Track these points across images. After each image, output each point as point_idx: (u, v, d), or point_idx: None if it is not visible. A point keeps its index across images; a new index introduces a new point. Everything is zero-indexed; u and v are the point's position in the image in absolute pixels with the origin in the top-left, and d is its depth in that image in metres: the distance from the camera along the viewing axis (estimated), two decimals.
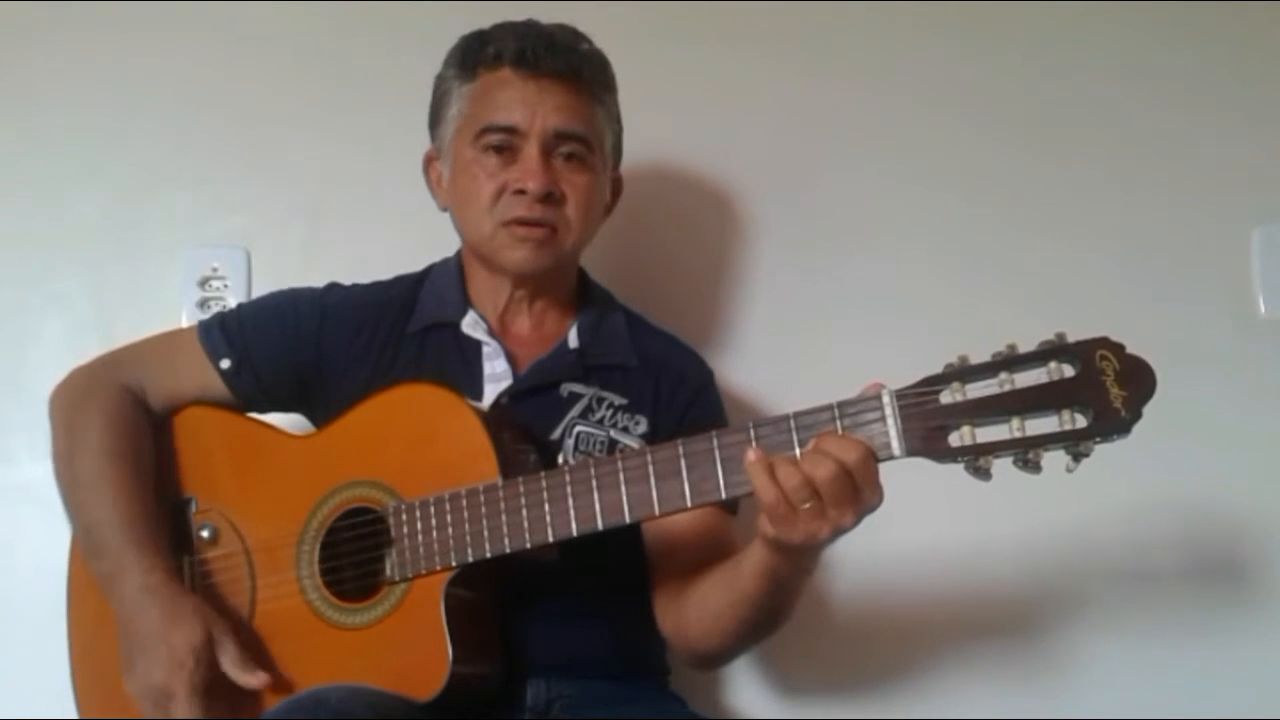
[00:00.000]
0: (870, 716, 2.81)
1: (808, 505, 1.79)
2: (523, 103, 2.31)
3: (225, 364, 2.37)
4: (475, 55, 2.38)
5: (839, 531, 1.82)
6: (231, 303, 2.84)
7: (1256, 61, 3.07)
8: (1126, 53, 3.05)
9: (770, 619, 2.13)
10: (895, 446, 1.78)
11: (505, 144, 2.31)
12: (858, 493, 1.79)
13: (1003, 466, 1.75)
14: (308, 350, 2.39)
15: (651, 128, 2.64)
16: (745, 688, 2.82)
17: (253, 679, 2.10)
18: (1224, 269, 2.99)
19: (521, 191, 2.29)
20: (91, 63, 2.97)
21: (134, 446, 2.32)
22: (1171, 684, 2.80)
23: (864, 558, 2.60)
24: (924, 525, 2.50)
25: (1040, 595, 2.82)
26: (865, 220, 2.98)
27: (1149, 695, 2.78)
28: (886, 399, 1.78)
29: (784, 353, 2.90)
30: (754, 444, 1.85)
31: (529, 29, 2.37)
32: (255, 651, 2.19)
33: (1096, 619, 2.82)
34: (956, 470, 1.77)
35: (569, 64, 2.33)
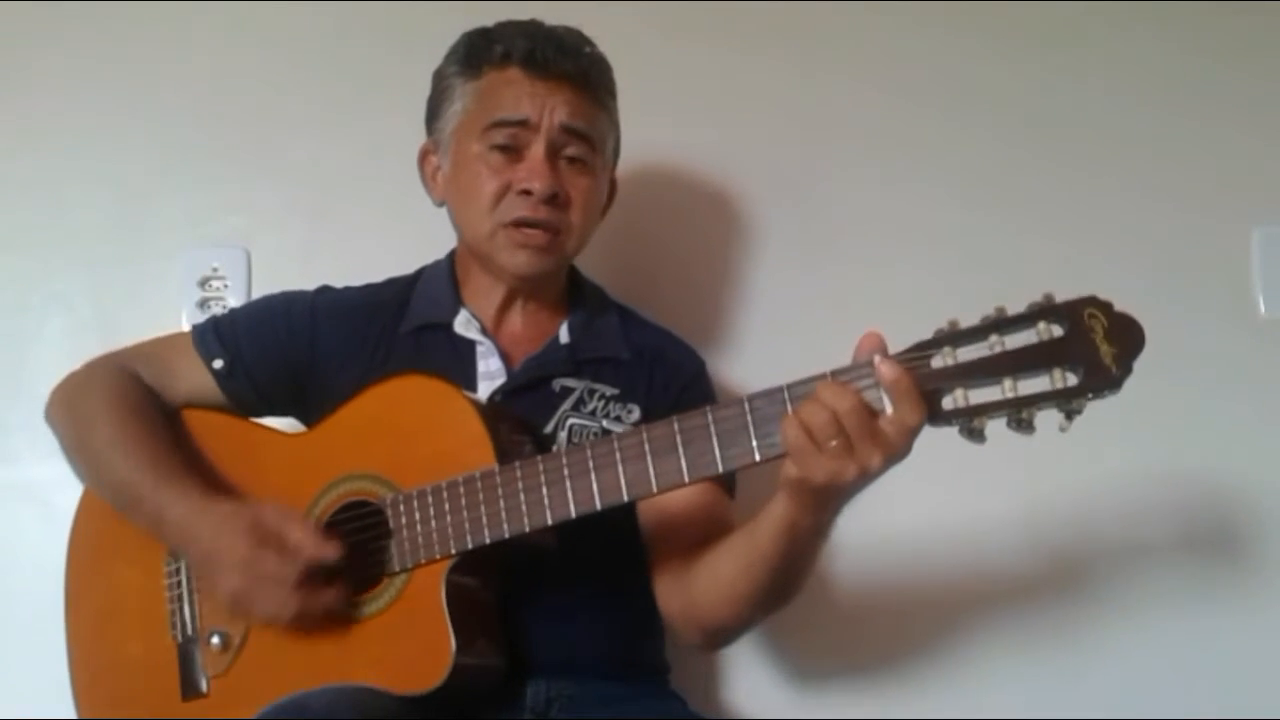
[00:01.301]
0: (870, 714, 2.80)
1: (834, 442, 1.77)
2: (532, 97, 2.32)
3: (218, 364, 2.39)
4: (481, 54, 2.39)
5: (865, 474, 1.79)
6: (231, 303, 2.86)
7: (1256, 61, 3.08)
8: (1126, 53, 3.06)
9: (783, 586, 2.11)
10: (889, 411, 1.77)
11: (512, 141, 2.32)
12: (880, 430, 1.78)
13: (999, 435, 1.74)
14: (300, 350, 2.41)
15: (651, 127, 2.65)
16: (745, 686, 2.82)
17: (324, 550, 2.09)
18: (1224, 269, 2.99)
19: (526, 192, 2.30)
20: (91, 63, 2.99)
21: (143, 408, 2.33)
22: (1174, 662, 2.81)
23: (861, 547, 2.60)
24: (924, 515, 2.50)
25: (1041, 582, 2.81)
26: (865, 220, 2.99)
27: (1152, 672, 2.80)
28: (879, 363, 1.77)
29: (783, 352, 2.85)
30: (749, 415, 1.86)
31: (536, 30, 2.38)
32: (255, 648, 2.20)
33: (1099, 607, 2.83)
34: (955, 455, 1.79)
35: (577, 66, 2.36)
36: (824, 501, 1.89)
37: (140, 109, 2.98)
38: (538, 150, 2.32)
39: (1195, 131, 3.03)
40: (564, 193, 2.33)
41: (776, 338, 2.93)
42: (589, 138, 2.36)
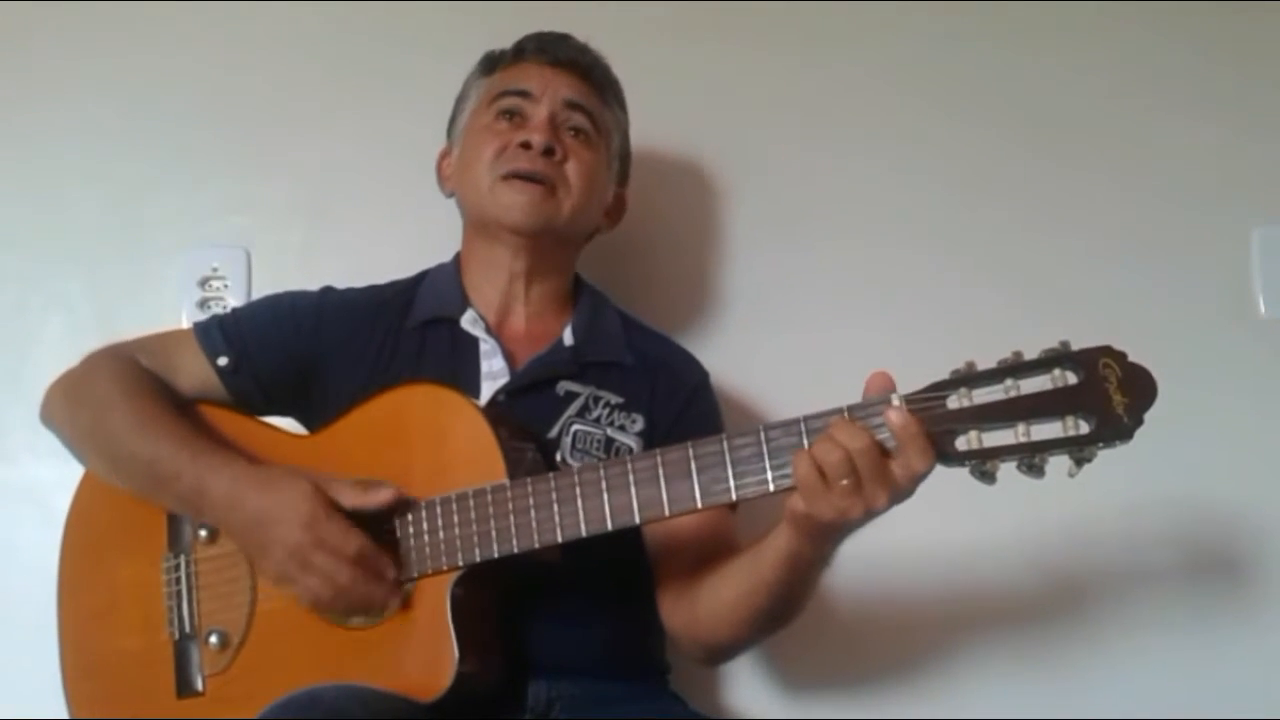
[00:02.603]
0: (868, 715, 2.81)
1: (845, 481, 1.79)
2: (539, 76, 2.42)
3: (223, 362, 2.37)
4: (497, 58, 2.51)
5: (870, 513, 1.82)
6: (231, 303, 2.85)
7: (1256, 62, 3.07)
8: (1127, 53, 3.06)
9: (783, 610, 2.14)
10: (897, 455, 1.79)
11: (516, 108, 2.40)
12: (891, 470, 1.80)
13: (1006, 469, 1.76)
14: (306, 347, 2.41)
15: (644, 122, 2.65)
16: (745, 686, 2.82)
17: (375, 497, 2.09)
18: (1224, 269, 2.99)
19: (526, 145, 2.35)
20: (91, 63, 2.98)
21: (155, 390, 2.32)
22: (1173, 681, 2.80)
23: (863, 556, 2.59)
24: (923, 523, 2.48)
25: (1041, 594, 2.82)
26: (861, 215, 2.99)
27: (1150, 691, 2.79)
28: (895, 403, 1.79)
29: (783, 350, 2.90)
30: (764, 445, 1.87)
31: (551, 33, 2.49)
32: (255, 651, 2.20)
33: (1096, 616, 2.82)
34: (958, 471, 1.79)
35: (585, 59, 2.47)
36: (828, 536, 1.92)
37: (140, 108, 2.97)
38: (540, 114, 2.39)
39: (1195, 131, 3.03)
40: (562, 150, 2.38)
41: (775, 334, 2.93)
42: (592, 115, 2.44)
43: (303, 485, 2.08)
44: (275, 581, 2.14)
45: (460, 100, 2.53)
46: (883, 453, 1.79)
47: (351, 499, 2.09)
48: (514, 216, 2.36)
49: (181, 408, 2.33)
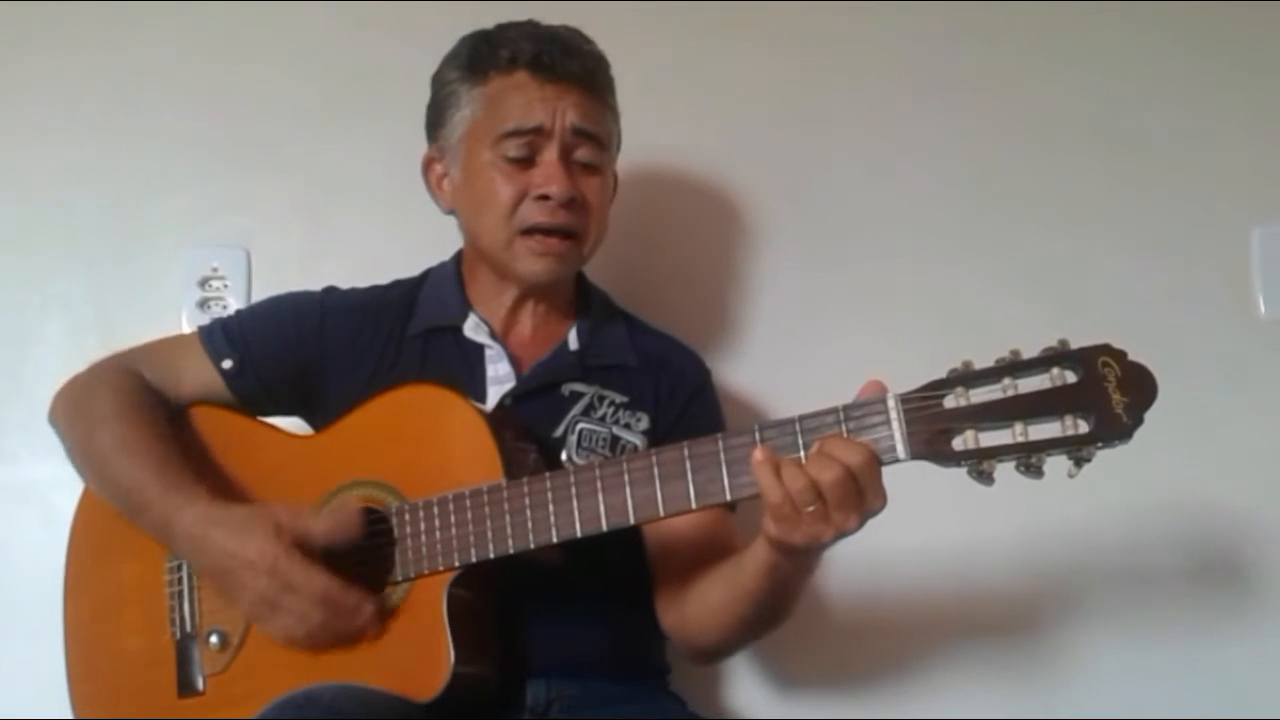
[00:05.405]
0: (868, 715, 2.81)
1: (811, 508, 1.79)
2: (542, 102, 2.32)
3: (227, 365, 2.38)
4: (485, 59, 2.38)
5: (841, 534, 1.83)
6: (231, 303, 2.86)
7: (1256, 61, 3.07)
8: (1128, 52, 3.05)
9: (770, 616, 2.16)
10: (900, 450, 1.79)
11: (527, 149, 2.32)
12: (861, 497, 1.80)
13: (1004, 469, 1.75)
14: (309, 348, 2.40)
15: (653, 127, 2.66)
16: (744, 687, 2.83)
17: (345, 530, 2.09)
18: (1224, 269, 2.98)
19: (544, 197, 2.30)
20: (91, 62, 2.97)
21: (148, 411, 2.31)
22: (1170, 684, 2.80)
23: (862, 556, 2.59)
24: (922, 524, 2.49)
25: (1038, 594, 2.82)
26: (867, 219, 2.98)
27: (1148, 695, 2.78)
28: (891, 403, 1.79)
29: (787, 352, 2.90)
30: (759, 445, 1.85)
31: (539, 31, 2.38)
32: (254, 650, 2.19)
33: (1095, 618, 2.82)
34: (957, 471, 1.78)
35: (584, 67, 2.36)
36: (802, 553, 1.93)
37: (140, 108, 2.96)
38: (551, 154, 2.32)
39: (1195, 131, 3.02)
40: (580, 196, 2.33)
41: (779, 337, 2.94)
42: (598, 138, 2.37)
43: (266, 529, 2.07)
44: (244, 613, 2.15)
45: (445, 103, 2.43)
46: (852, 479, 1.79)
47: (323, 534, 2.08)
48: (537, 275, 2.34)
49: (175, 425, 2.33)
